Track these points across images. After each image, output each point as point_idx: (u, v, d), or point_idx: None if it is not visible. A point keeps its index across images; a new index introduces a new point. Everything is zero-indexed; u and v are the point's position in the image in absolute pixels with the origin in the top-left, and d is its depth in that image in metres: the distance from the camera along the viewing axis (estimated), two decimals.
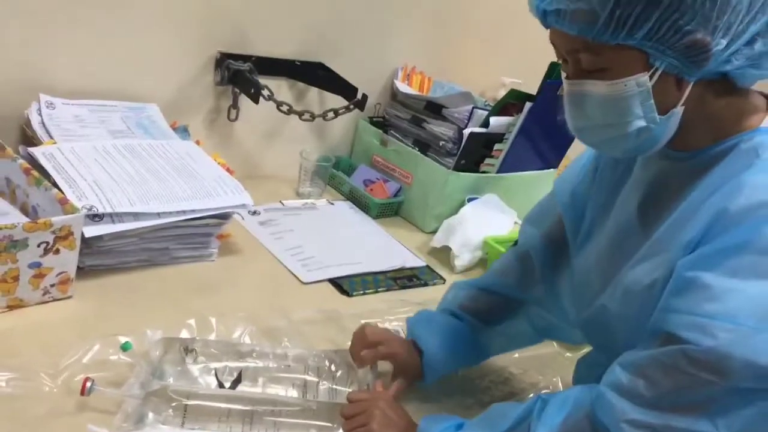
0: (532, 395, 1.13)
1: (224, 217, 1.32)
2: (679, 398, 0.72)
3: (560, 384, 1.18)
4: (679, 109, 0.77)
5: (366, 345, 1.04)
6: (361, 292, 1.36)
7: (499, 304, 1.09)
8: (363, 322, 1.13)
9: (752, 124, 0.79)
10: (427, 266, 1.51)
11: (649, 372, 0.74)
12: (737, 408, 0.70)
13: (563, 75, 0.81)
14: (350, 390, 1.02)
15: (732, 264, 0.71)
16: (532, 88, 1.63)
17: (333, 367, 1.05)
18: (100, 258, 1.21)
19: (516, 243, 1.14)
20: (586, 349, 1.13)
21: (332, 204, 1.72)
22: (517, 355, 1.20)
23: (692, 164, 0.81)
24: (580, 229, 0.99)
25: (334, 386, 1.03)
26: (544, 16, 0.77)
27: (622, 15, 0.71)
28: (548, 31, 0.80)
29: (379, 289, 1.39)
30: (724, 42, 0.72)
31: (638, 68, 0.74)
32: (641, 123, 0.77)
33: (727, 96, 0.79)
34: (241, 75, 1.54)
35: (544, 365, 1.22)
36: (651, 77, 0.74)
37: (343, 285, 1.37)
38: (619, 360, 0.79)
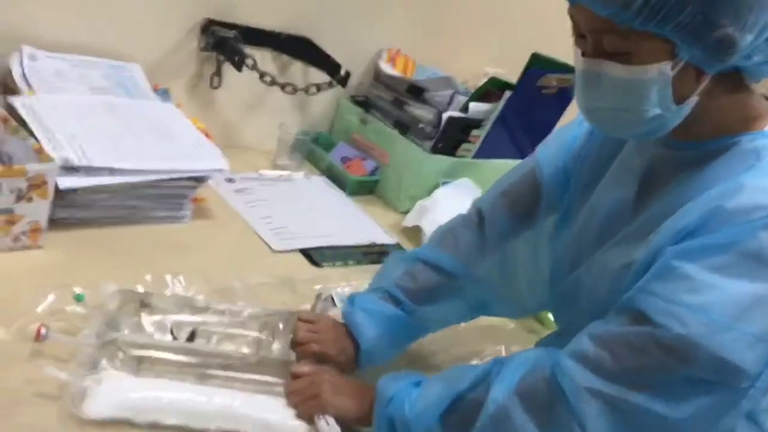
0: (475, 362, 1.16)
1: (200, 180, 1.33)
2: (640, 377, 0.75)
3: (503, 353, 1.22)
4: (694, 100, 0.77)
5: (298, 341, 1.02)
6: (331, 264, 1.39)
7: (437, 282, 1.06)
8: (317, 287, 1.16)
9: (756, 126, 0.80)
10: (398, 244, 1.53)
11: (616, 348, 0.76)
12: (692, 396, 0.73)
13: (578, 52, 0.79)
14: None
15: (717, 260, 0.72)
16: (515, 79, 1.65)
17: (286, 328, 1.06)
18: (73, 211, 1.21)
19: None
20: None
21: (309, 178, 1.74)
22: (462, 324, 1.24)
23: (689, 155, 0.82)
24: (563, 203, 1.00)
25: (287, 347, 1.04)
26: None
27: (656, 3, 0.70)
28: (562, 12, 0.78)
29: (349, 263, 1.41)
30: (750, 38, 0.72)
31: (662, 57, 0.74)
32: (657, 111, 0.76)
33: (735, 92, 0.79)
34: (226, 42, 1.55)
35: (488, 334, 1.26)
36: (674, 67, 0.74)
37: (313, 256, 1.39)
38: (587, 330, 0.81)
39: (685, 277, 0.73)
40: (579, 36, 0.79)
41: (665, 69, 0.74)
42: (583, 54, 0.79)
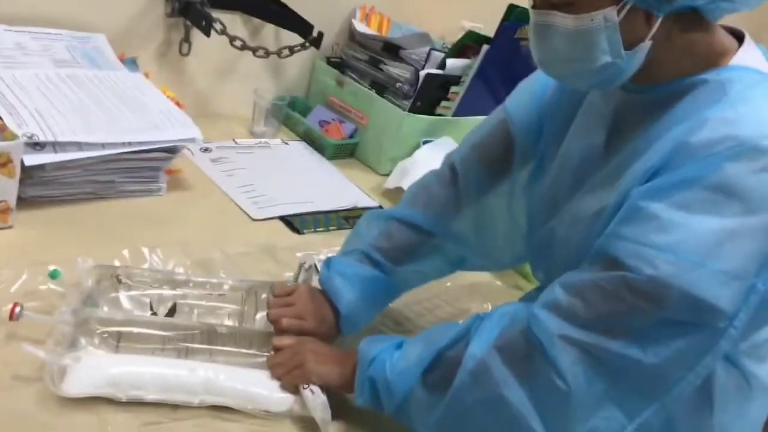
0: (462, 321, 1.15)
1: (172, 151, 1.29)
2: (614, 322, 0.74)
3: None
4: (647, 44, 0.75)
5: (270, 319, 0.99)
6: (312, 230, 1.36)
7: (413, 241, 1.05)
8: (298, 254, 1.13)
9: (722, 62, 0.77)
10: (380, 206, 1.51)
11: (588, 295, 0.75)
12: (668, 338, 0.72)
13: (530, 4, 0.79)
14: None
15: (683, 197, 0.71)
16: (493, 33, 1.62)
17: (269, 298, 1.04)
18: (42, 189, 1.18)
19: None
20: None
21: (287, 144, 1.70)
22: (449, 283, 1.24)
23: (654, 96, 0.80)
24: (537, 152, 0.98)
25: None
26: None
27: None
28: None
29: (330, 228, 1.39)
30: None
31: (606, 2, 0.73)
32: (607, 58, 0.75)
33: (696, 31, 0.77)
34: (192, 7, 1.50)
35: (475, 292, 1.26)
36: (619, 12, 0.73)
37: (294, 222, 1.36)
38: (559, 279, 0.80)
39: (652, 217, 0.72)
40: None
41: (611, 15, 0.73)
42: (533, 6, 0.78)
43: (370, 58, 1.72)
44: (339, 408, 0.90)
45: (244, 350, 0.94)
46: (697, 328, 0.72)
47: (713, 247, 0.70)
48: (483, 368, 0.79)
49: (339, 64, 1.80)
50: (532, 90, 1.01)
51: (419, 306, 1.19)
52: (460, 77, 1.64)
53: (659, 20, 0.74)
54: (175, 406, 0.86)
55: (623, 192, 0.77)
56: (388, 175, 1.61)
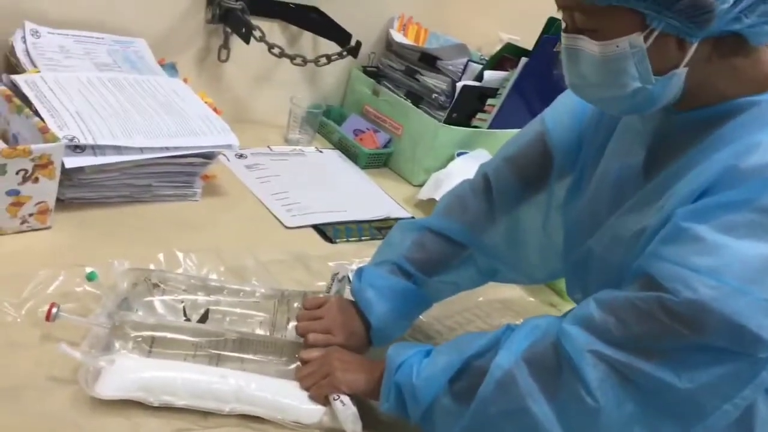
0: None
1: (209, 156, 1.30)
2: (647, 343, 0.72)
3: None
4: (681, 71, 0.73)
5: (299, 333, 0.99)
6: (345, 239, 1.36)
7: (446, 252, 1.03)
8: (331, 264, 1.13)
9: None
10: (413, 218, 1.50)
11: (622, 313, 0.73)
12: (705, 365, 0.70)
13: (562, 26, 0.78)
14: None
15: (729, 219, 0.68)
16: (530, 46, 1.61)
17: (300, 308, 1.03)
18: (81, 191, 1.19)
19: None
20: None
21: (321, 152, 1.71)
22: (481, 298, 1.22)
23: (698, 117, 0.78)
24: (576, 168, 0.97)
25: None
26: None
27: None
28: None
29: (363, 238, 1.38)
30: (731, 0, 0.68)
31: (632, 29, 0.71)
32: (636, 84, 0.74)
33: (739, 56, 0.74)
34: (232, 14, 1.51)
35: (507, 308, 1.25)
36: (646, 38, 0.71)
37: (326, 231, 1.36)
38: (595, 296, 0.78)
39: (696, 239, 0.69)
40: (560, 10, 0.78)
41: (637, 41, 0.72)
42: (564, 30, 0.77)
43: (407, 68, 1.72)
44: (369, 419, 0.89)
45: (275, 359, 0.94)
46: (736, 357, 0.69)
47: (759, 274, 0.67)
48: (509, 379, 0.78)
49: (375, 74, 1.80)
50: (572, 105, 0.99)
51: (450, 320, 1.18)
52: (497, 89, 1.63)
53: (693, 47, 0.72)
54: (205, 414, 0.85)
55: (666, 212, 0.75)
56: (421, 186, 1.61)
